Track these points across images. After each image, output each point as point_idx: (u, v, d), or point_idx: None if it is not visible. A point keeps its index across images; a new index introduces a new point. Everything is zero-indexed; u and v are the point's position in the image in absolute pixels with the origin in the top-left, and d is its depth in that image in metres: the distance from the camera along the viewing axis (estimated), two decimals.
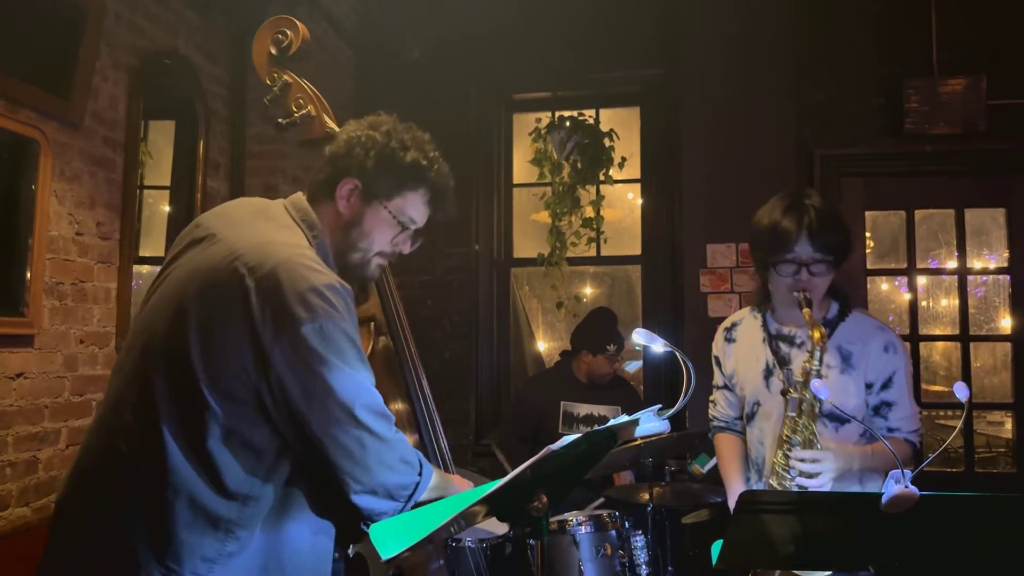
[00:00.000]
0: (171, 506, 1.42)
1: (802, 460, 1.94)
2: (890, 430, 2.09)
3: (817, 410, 1.98)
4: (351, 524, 1.56)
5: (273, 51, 1.94)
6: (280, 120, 1.99)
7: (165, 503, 1.42)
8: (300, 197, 1.67)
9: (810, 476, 1.93)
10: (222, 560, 1.44)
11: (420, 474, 1.55)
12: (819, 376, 1.95)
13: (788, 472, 1.97)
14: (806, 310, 1.99)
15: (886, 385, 2.08)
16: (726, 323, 2.35)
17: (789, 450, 1.98)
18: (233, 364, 1.44)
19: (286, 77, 1.96)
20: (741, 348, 2.26)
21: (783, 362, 2.14)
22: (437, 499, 1.60)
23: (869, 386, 2.08)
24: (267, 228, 1.57)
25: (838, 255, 2.05)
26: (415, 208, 1.67)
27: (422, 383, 2.03)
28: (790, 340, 2.16)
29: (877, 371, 2.08)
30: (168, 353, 1.48)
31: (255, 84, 4.00)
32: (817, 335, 1.96)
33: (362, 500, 1.48)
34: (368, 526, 1.52)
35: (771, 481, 2.02)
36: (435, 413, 2.03)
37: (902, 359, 2.10)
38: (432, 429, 2.01)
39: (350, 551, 1.77)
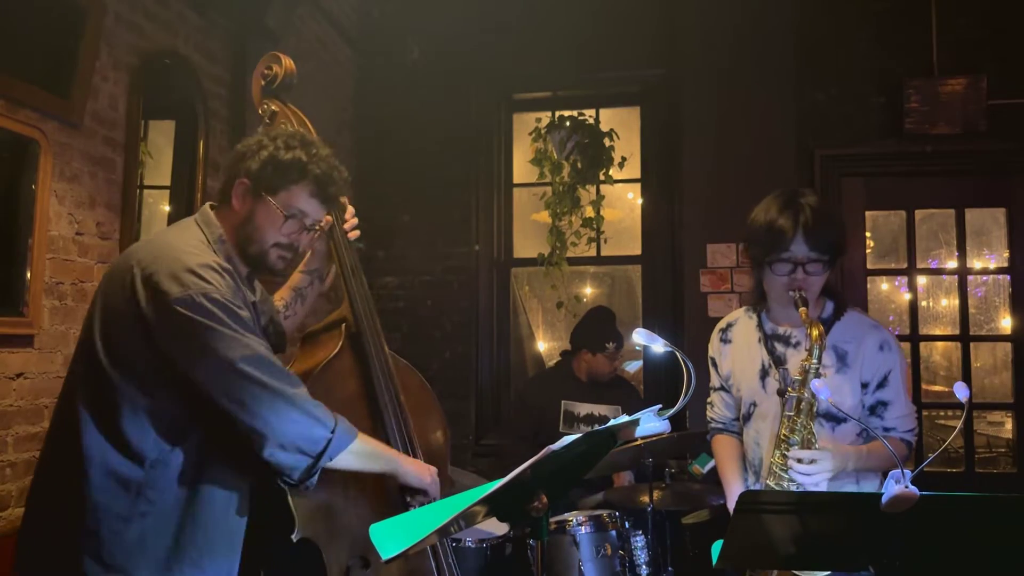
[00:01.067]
0: (85, 473, 1.62)
1: (799, 460, 1.93)
2: (886, 429, 2.07)
3: (815, 409, 1.98)
4: (270, 484, 1.70)
5: (263, 83, 2.18)
6: None
7: (81, 471, 1.63)
8: (206, 207, 1.88)
9: (807, 476, 1.92)
10: (136, 519, 1.63)
11: (333, 432, 1.67)
12: (818, 375, 1.95)
13: (785, 472, 1.96)
14: (803, 309, 1.99)
15: (881, 384, 2.07)
16: (721, 324, 2.34)
17: (787, 450, 1.97)
18: (128, 344, 1.65)
19: (273, 106, 2.18)
20: (737, 349, 2.25)
21: (779, 362, 2.13)
22: (381, 473, 1.81)
23: (865, 385, 2.07)
24: (165, 233, 1.89)
25: (833, 254, 2.04)
26: (301, 200, 1.81)
27: (389, 380, 2.07)
28: (785, 340, 2.15)
29: (872, 370, 2.07)
30: (83, 344, 1.73)
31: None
32: (816, 333, 1.95)
33: (271, 453, 1.62)
34: (284, 484, 1.67)
35: (768, 481, 2.01)
36: (407, 418, 2.06)
37: (897, 358, 2.09)
38: (399, 428, 2.03)
39: (294, 535, 1.76)
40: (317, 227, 1.87)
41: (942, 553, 1.57)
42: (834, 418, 2.05)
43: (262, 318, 1.96)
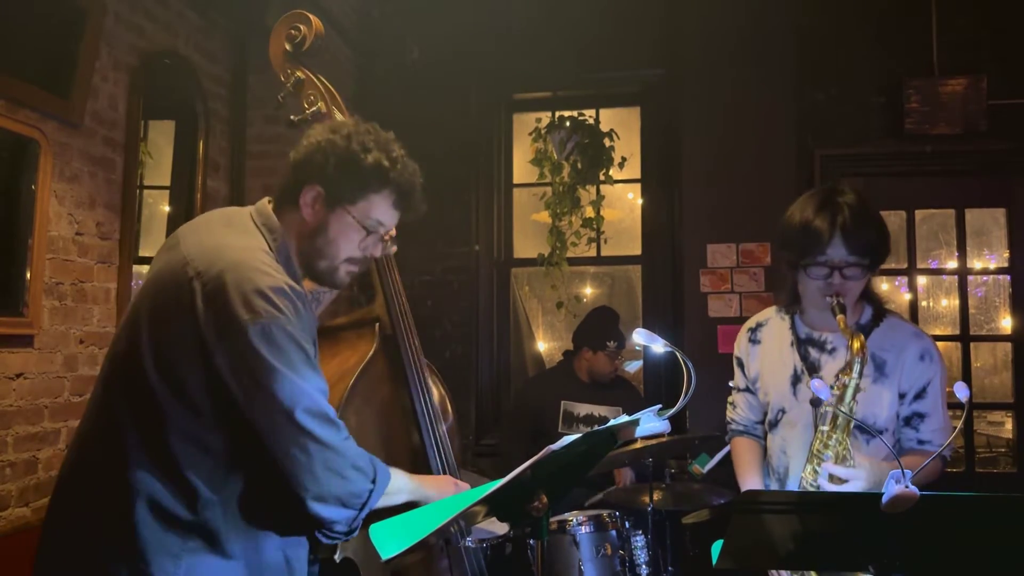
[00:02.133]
0: (131, 506, 1.44)
1: (832, 478, 1.82)
2: (920, 442, 1.97)
3: (852, 424, 1.86)
4: (309, 534, 1.55)
5: (288, 47, 1.93)
6: (292, 117, 1.96)
7: (126, 503, 1.44)
8: (264, 203, 1.67)
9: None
10: (185, 555, 1.45)
11: (373, 481, 1.52)
12: (858, 390, 1.84)
13: (817, 488, 1.86)
14: (840, 317, 1.86)
15: (920, 395, 1.96)
16: (750, 323, 2.22)
17: (819, 465, 1.86)
18: (184, 366, 1.45)
19: (299, 73, 1.95)
20: (767, 351, 2.13)
21: (812, 368, 2.01)
22: (415, 503, 1.62)
23: (902, 396, 1.96)
24: (225, 233, 1.58)
25: (874, 257, 1.91)
26: (381, 211, 1.63)
27: (426, 384, 2.00)
28: (820, 345, 2.03)
29: (912, 381, 1.96)
30: (126, 357, 1.51)
31: (255, 84, 4.01)
32: (857, 345, 1.82)
33: (315, 508, 1.46)
34: (326, 536, 1.51)
35: None
36: (439, 415, 2.01)
37: (938, 368, 1.98)
38: (434, 431, 1.98)
39: (337, 556, 1.73)
40: (390, 236, 1.68)
41: (942, 553, 1.56)
42: (869, 428, 1.94)
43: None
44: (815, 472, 1.87)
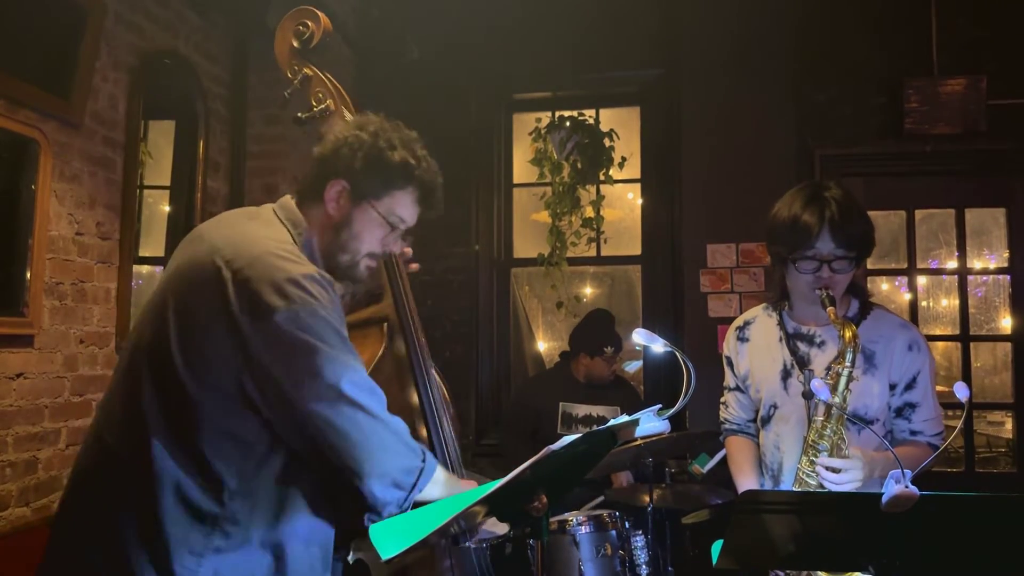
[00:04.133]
0: (157, 500, 1.43)
1: (828, 468, 1.84)
2: (913, 433, 2.00)
3: (846, 414, 1.88)
4: (354, 520, 1.52)
5: (295, 44, 1.92)
6: (299, 115, 1.94)
7: (151, 497, 1.43)
8: (287, 199, 1.68)
9: (837, 485, 1.83)
10: (209, 554, 1.44)
11: (423, 460, 1.52)
12: (851, 379, 1.86)
13: (814, 479, 1.88)
14: (831, 308, 1.89)
15: (910, 386, 1.99)
16: (738, 322, 2.25)
17: (815, 456, 1.88)
18: (214, 356, 1.45)
19: (307, 70, 1.93)
20: (755, 348, 2.16)
21: (802, 363, 2.04)
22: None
23: (892, 387, 2.00)
24: (250, 226, 1.60)
25: (861, 250, 1.96)
26: (404, 207, 1.66)
27: (432, 385, 2.00)
28: (809, 340, 2.06)
29: (901, 371, 1.99)
30: (152, 348, 1.50)
31: (255, 84, 4.00)
32: (848, 334, 1.86)
33: (371, 486, 1.45)
34: (371, 521, 1.49)
35: (795, 488, 1.93)
36: (445, 417, 2.00)
37: (927, 358, 2.01)
38: (441, 433, 1.98)
39: (350, 557, 1.73)
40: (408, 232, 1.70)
41: (942, 553, 1.57)
42: (861, 420, 1.97)
43: None
44: (811, 463, 1.90)
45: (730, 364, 2.24)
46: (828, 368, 1.92)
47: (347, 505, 1.50)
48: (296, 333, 1.42)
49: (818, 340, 2.05)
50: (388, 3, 4.68)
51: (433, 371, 2.03)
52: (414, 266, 2.04)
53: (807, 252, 1.93)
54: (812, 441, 1.91)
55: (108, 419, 1.54)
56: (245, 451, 1.47)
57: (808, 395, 1.95)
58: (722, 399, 2.31)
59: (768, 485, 2.11)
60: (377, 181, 1.62)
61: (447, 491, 1.60)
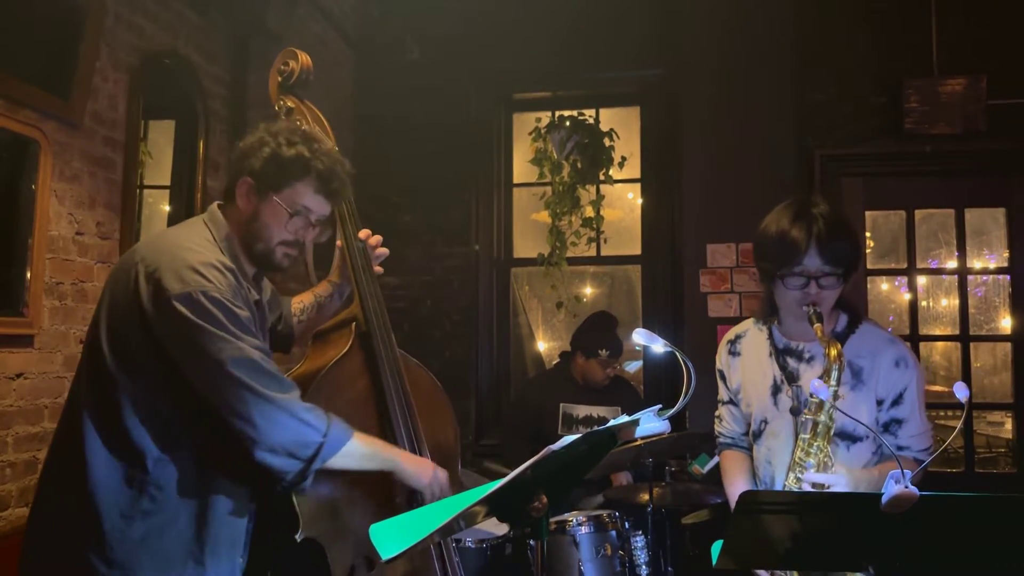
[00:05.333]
0: (88, 470, 1.63)
1: (814, 485, 1.85)
2: (899, 448, 1.97)
3: (832, 431, 1.89)
4: (268, 486, 1.69)
5: (279, 79, 2.19)
6: None
7: (83, 468, 1.63)
8: (214, 205, 1.88)
9: None
10: (139, 516, 1.64)
11: (325, 435, 1.66)
12: (836, 397, 1.86)
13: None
14: (818, 325, 1.89)
15: (896, 402, 1.98)
16: (729, 335, 2.24)
17: (801, 473, 1.89)
18: (130, 340, 1.66)
19: (289, 102, 2.18)
20: (747, 363, 2.15)
21: (791, 378, 2.03)
22: (379, 472, 1.80)
23: (880, 402, 1.98)
24: (172, 231, 1.87)
25: (848, 267, 1.95)
26: (306, 197, 1.80)
27: (397, 383, 2.05)
28: (798, 355, 2.06)
29: (888, 387, 1.98)
30: (89, 341, 1.75)
31: (255, 84, 4.00)
32: (833, 352, 1.85)
33: (262, 457, 1.62)
34: (280, 490, 1.67)
35: None
36: (415, 419, 2.04)
37: (914, 374, 1.99)
38: (406, 426, 2.02)
39: (298, 535, 1.76)
40: (320, 222, 1.85)
41: (942, 553, 1.57)
42: (849, 437, 1.98)
43: (269, 317, 1.97)
44: (798, 480, 1.90)
45: (723, 378, 2.24)
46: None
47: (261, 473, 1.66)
48: (187, 312, 1.61)
49: (807, 356, 2.05)
50: (388, 3, 4.68)
51: (401, 368, 2.08)
52: (382, 250, 2.18)
53: (795, 268, 1.93)
54: (799, 458, 1.92)
55: (61, 414, 1.78)
56: (162, 424, 1.66)
57: (795, 411, 1.97)
58: (716, 413, 2.31)
59: None
60: (275, 175, 1.79)
61: (385, 465, 1.81)
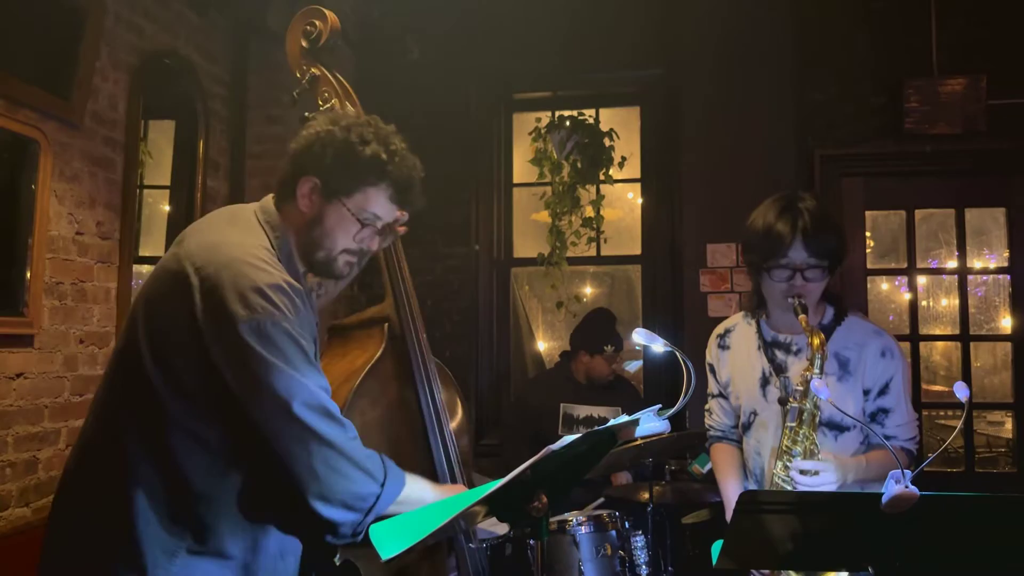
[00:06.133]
0: (129, 500, 1.45)
1: (803, 471, 1.88)
2: (886, 438, 2.02)
3: (818, 419, 1.93)
4: (318, 539, 1.52)
5: (304, 44, 1.93)
6: (306, 114, 1.95)
7: (124, 496, 1.45)
8: (268, 199, 1.67)
9: (813, 488, 1.86)
10: (181, 554, 1.47)
11: (382, 485, 1.49)
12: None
13: (788, 484, 1.92)
14: (802, 316, 1.93)
15: (883, 391, 2.03)
16: (719, 330, 2.28)
17: (789, 461, 1.92)
18: (178, 357, 1.46)
19: (314, 70, 1.94)
20: (736, 356, 2.20)
21: (779, 370, 2.07)
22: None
23: (866, 392, 2.03)
24: (227, 231, 1.59)
25: (833, 260, 2.00)
26: (377, 204, 1.62)
27: (434, 385, 2.00)
28: (786, 347, 2.10)
29: (874, 377, 2.02)
30: (124, 351, 1.53)
31: (255, 84, 4.01)
32: (816, 342, 1.90)
33: (317, 507, 1.43)
34: (333, 538, 1.48)
35: None
36: (445, 417, 2.00)
37: (899, 364, 2.04)
38: (440, 432, 1.97)
39: (336, 559, 1.73)
40: (389, 229, 1.68)
41: (942, 553, 1.57)
42: (837, 427, 2.02)
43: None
44: (785, 468, 1.93)
45: (712, 371, 2.28)
46: (801, 375, 1.95)
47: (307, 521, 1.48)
48: (254, 345, 1.42)
49: (794, 348, 2.09)
50: (388, 3, 4.68)
51: (434, 372, 2.02)
52: (401, 228, 1.96)
53: (780, 261, 1.98)
54: (786, 447, 1.95)
55: (90, 421, 1.57)
56: (212, 455, 1.48)
57: (783, 401, 2.00)
58: (706, 406, 2.34)
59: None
60: (348, 177, 1.59)
61: (417, 507, 1.58)
